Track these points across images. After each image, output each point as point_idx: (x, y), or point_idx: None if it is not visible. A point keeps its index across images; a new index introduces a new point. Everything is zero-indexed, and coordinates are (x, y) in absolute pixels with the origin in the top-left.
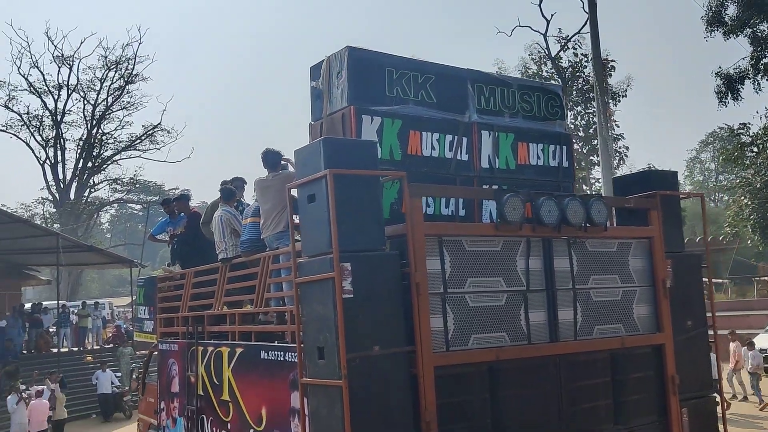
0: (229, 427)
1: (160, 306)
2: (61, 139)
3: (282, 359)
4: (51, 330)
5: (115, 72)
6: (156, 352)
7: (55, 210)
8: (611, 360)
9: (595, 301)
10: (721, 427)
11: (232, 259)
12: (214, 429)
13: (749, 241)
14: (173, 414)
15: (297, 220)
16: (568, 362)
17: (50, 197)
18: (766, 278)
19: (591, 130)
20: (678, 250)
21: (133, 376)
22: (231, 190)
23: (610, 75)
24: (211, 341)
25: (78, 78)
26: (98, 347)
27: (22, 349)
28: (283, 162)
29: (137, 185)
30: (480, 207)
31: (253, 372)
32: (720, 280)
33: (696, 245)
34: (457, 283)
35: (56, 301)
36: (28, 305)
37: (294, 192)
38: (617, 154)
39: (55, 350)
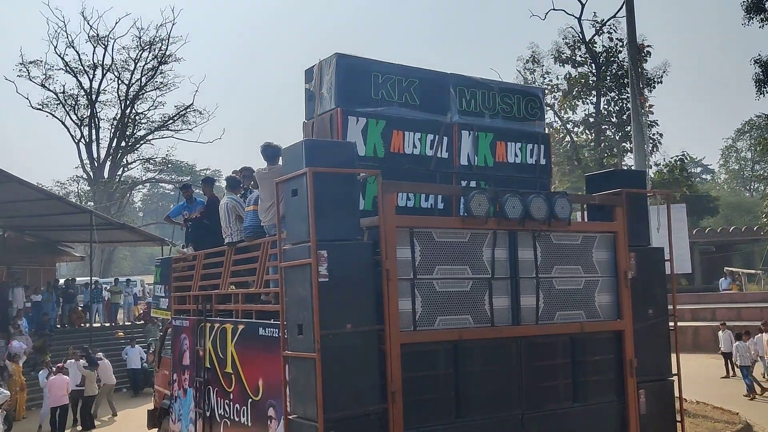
0: (231, 397)
1: (174, 285)
2: (96, 119)
3: (277, 336)
4: (82, 305)
5: (149, 52)
6: (170, 328)
7: (89, 188)
8: (571, 343)
9: (557, 289)
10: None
11: (237, 244)
12: (218, 399)
13: None
14: (184, 385)
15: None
16: (529, 344)
17: (84, 175)
18: None
19: (624, 116)
20: (643, 244)
21: (150, 350)
22: (236, 180)
23: (646, 60)
24: (218, 318)
25: (113, 58)
26: (129, 323)
27: (56, 323)
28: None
29: (169, 165)
30: (458, 201)
31: (252, 347)
32: (753, 271)
33: (729, 234)
34: (426, 270)
35: (89, 278)
36: (62, 281)
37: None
38: (651, 141)
39: (87, 325)
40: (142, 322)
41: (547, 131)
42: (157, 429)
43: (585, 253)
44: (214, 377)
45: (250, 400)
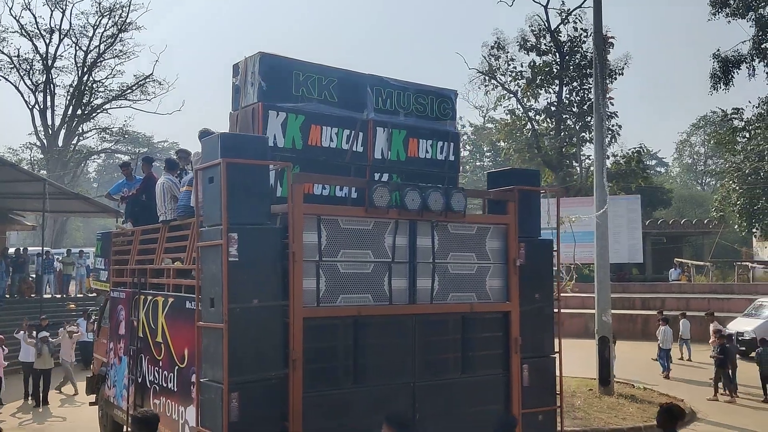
0: (160, 364)
1: (114, 258)
2: (51, 85)
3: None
4: (33, 276)
5: (109, 19)
6: (109, 300)
7: (42, 156)
8: (462, 321)
9: (452, 273)
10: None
11: (170, 222)
12: (149, 366)
13: (735, 226)
14: (119, 353)
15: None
16: (423, 321)
17: (38, 143)
18: (747, 263)
19: (585, 107)
20: (533, 236)
21: (91, 320)
22: (173, 161)
23: (609, 51)
24: (151, 291)
25: (70, 23)
26: (81, 295)
27: (5, 293)
28: None
29: (126, 136)
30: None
31: (180, 318)
32: (702, 263)
33: (681, 227)
34: (331, 254)
35: (40, 248)
36: (12, 250)
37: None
38: (610, 132)
39: (37, 296)
40: (94, 294)
41: (508, 118)
42: (95, 395)
43: (479, 242)
44: (146, 346)
45: (176, 367)
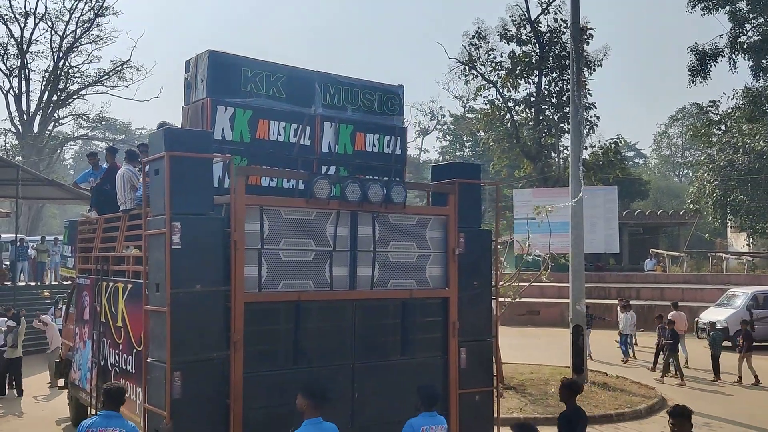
0: (120, 347)
1: (79, 246)
2: (27, 70)
3: None
4: (7, 264)
5: (85, 3)
6: (75, 286)
7: (17, 142)
8: (402, 306)
9: (392, 261)
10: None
11: (130, 211)
12: (111, 349)
13: (710, 218)
14: (84, 338)
15: None
16: (363, 306)
17: (13, 129)
18: (721, 254)
19: (564, 98)
20: (473, 227)
21: (59, 306)
22: (134, 152)
23: (588, 43)
24: (113, 278)
25: (46, 7)
26: (56, 283)
27: None
28: None
29: (103, 122)
30: None
31: (137, 304)
32: (677, 254)
33: (657, 218)
34: (273, 242)
35: (14, 235)
36: None
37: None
38: (588, 123)
39: (11, 284)
40: (69, 282)
41: (488, 108)
42: (63, 379)
43: (419, 232)
44: (108, 330)
45: (134, 350)
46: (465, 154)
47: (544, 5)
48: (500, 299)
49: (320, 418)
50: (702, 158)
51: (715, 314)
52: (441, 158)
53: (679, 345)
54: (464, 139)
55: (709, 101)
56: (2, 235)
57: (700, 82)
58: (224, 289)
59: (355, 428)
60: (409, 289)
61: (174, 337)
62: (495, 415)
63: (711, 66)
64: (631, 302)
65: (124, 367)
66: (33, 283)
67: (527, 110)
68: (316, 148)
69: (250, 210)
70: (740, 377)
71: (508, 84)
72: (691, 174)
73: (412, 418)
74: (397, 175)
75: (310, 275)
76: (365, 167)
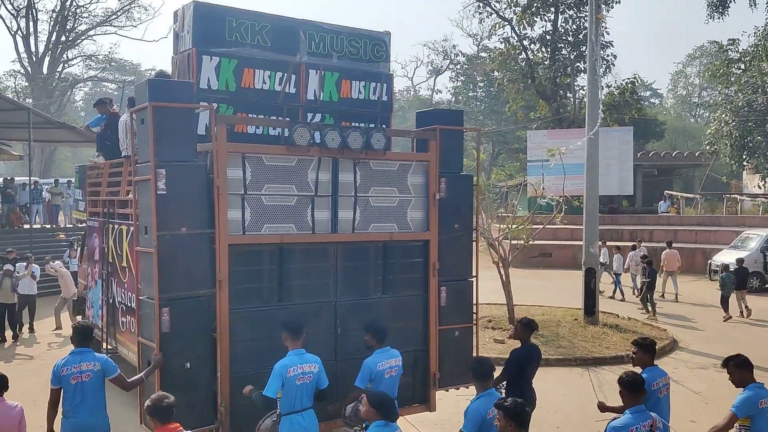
0: (125, 286)
1: (88, 190)
2: (34, 10)
3: None
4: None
5: None
6: (86, 228)
7: (27, 84)
8: (383, 249)
9: (373, 206)
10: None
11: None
12: (118, 288)
13: (727, 159)
14: (95, 277)
15: None
16: (344, 248)
17: (22, 70)
18: (736, 196)
19: (581, 36)
20: (455, 172)
21: (74, 247)
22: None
23: None
24: (117, 221)
25: None
26: (71, 225)
27: None
28: None
29: (112, 63)
30: None
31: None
32: (691, 196)
33: (672, 159)
34: (255, 188)
35: (28, 178)
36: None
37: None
38: (604, 62)
39: (27, 226)
40: (82, 224)
41: (503, 47)
42: (81, 315)
43: (401, 178)
44: (114, 270)
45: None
46: (478, 94)
47: None
48: (513, 241)
49: (303, 350)
50: (720, 99)
51: (729, 256)
52: (453, 99)
53: (671, 280)
54: (478, 79)
55: (729, 39)
56: (16, 178)
57: (718, 17)
58: (209, 231)
59: (338, 361)
60: (389, 232)
61: (161, 276)
62: (474, 351)
63: (731, 2)
64: (643, 244)
65: (128, 305)
66: (48, 226)
67: (543, 49)
68: (302, 96)
69: (233, 157)
70: (741, 312)
71: (524, 21)
72: (708, 114)
73: (366, 358)
74: (383, 122)
75: (292, 219)
76: (351, 114)
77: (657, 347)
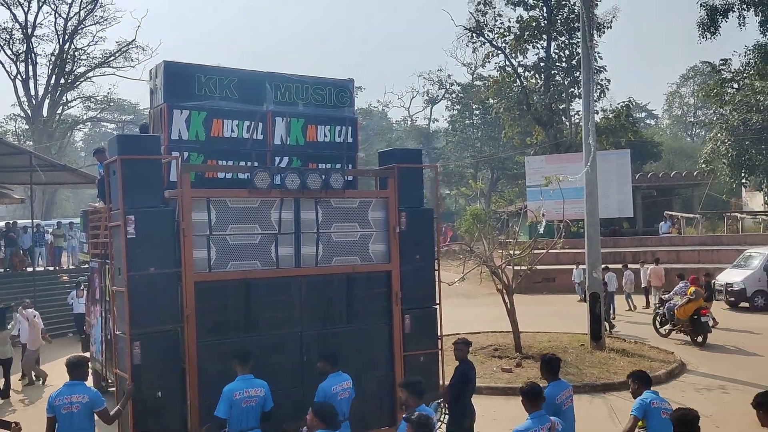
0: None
1: (90, 233)
2: (33, 54)
3: None
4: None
5: None
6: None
7: (27, 127)
8: (346, 281)
9: (335, 241)
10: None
11: None
12: (112, 324)
13: (726, 178)
14: (97, 315)
15: None
16: (308, 281)
17: (22, 114)
18: (736, 214)
19: (574, 61)
20: (415, 206)
21: (81, 287)
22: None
23: (596, 5)
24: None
25: None
26: (74, 267)
27: None
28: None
29: (111, 103)
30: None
31: None
32: (691, 215)
33: (670, 179)
34: (220, 228)
35: (30, 220)
36: (1, 224)
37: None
38: (598, 87)
39: (30, 269)
40: (86, 265)
41: (497, 75)
42: (88, 353)
43: (362, 213)
44: (110, 308)
45: None
46: (475, 122)
47: None
48: (516, 268)
49: (251, 375)
50: (715, 118)
51: (732, 275)
52: (450, 127)
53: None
54: (473, 107)
55: (721, 60)
56: (18, 221)
57: (710, 38)
58: (176, 270)
59: (305, 389)
60: (352, 265)
61: (132, 312)
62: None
63: (722, 21)
64: (646, 265)
65: None
66: (51, 268)
67: (537, 76)
68: (269, 141)
69: (198, 201)
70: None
71: (517, 49)
72: (704, 133)
73: (321, 383)
74: (349, 162)
75: (256, 256)
76: (317, 156)
77: (665, 371)
